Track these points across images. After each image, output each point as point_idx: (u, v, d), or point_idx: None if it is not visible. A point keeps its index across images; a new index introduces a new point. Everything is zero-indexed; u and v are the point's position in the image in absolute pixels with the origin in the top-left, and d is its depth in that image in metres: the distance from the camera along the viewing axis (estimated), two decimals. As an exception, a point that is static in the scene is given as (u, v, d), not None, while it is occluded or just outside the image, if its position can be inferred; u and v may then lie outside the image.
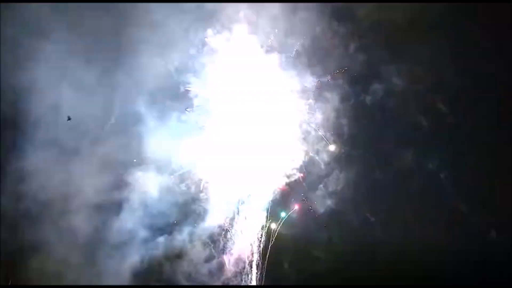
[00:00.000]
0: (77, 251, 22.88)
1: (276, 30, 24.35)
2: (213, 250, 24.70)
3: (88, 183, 23.02)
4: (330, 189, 25.19)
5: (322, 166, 25.06)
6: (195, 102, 24.69)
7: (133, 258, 23.69)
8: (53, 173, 22.64)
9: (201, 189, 24.77)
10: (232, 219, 25.10)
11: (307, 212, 25.32)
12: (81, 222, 22.86)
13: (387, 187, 25.24)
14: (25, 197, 22.49)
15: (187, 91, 24.48)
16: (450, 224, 24.87)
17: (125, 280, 23.27)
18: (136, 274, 23.68)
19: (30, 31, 22.53)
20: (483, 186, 24.64)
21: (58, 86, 23.14)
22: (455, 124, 25.18)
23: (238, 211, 25.11)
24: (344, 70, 24.79)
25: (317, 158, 25.12)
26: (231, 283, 24.63)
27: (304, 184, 25.13)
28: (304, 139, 25.08)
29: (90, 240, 23.18)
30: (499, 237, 24.38)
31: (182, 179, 24.61)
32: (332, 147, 25.04)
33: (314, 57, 24.55)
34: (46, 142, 22.80)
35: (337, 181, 25.15)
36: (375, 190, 25.44)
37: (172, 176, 24.54)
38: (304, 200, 25.35)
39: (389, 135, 25.54)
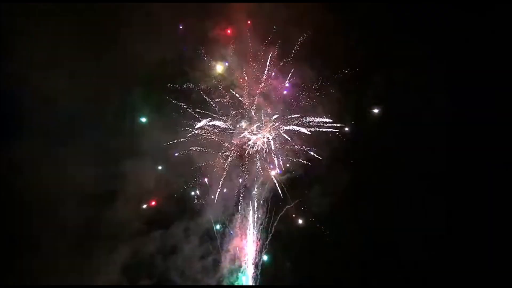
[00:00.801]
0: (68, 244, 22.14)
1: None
2: (210, 247, 24.25)
3: (81, 174, 22.36)
4: (330, 188, 24.65)
5: (323, 163, 24.64)
6: (193, 95, 24.27)
7: (125, 252, 22.99)
8: (45, 164, 21.97)
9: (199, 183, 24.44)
10: (231, 215, 24.76)
11: (307, 210, 24.85)
12: (72, 215, 22.15)
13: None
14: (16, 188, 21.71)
15: (185, 84, 24.12)
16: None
17: (115, 274, 22.49)
18: (127, 268, 22.98)
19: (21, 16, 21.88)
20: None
21: (51, 74, 22.42)
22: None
23: (238, 208, 24.72)
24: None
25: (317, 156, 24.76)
26: (227, 282, 24.00)
27: (304, 181, 24.81)
28: (305, 135, 24.69)
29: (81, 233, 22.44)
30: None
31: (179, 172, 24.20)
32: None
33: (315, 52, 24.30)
34: (37, 131, 22.16)
35: (337, 179, 24.68)
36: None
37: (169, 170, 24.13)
38: (302, 199, 24.87)
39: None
